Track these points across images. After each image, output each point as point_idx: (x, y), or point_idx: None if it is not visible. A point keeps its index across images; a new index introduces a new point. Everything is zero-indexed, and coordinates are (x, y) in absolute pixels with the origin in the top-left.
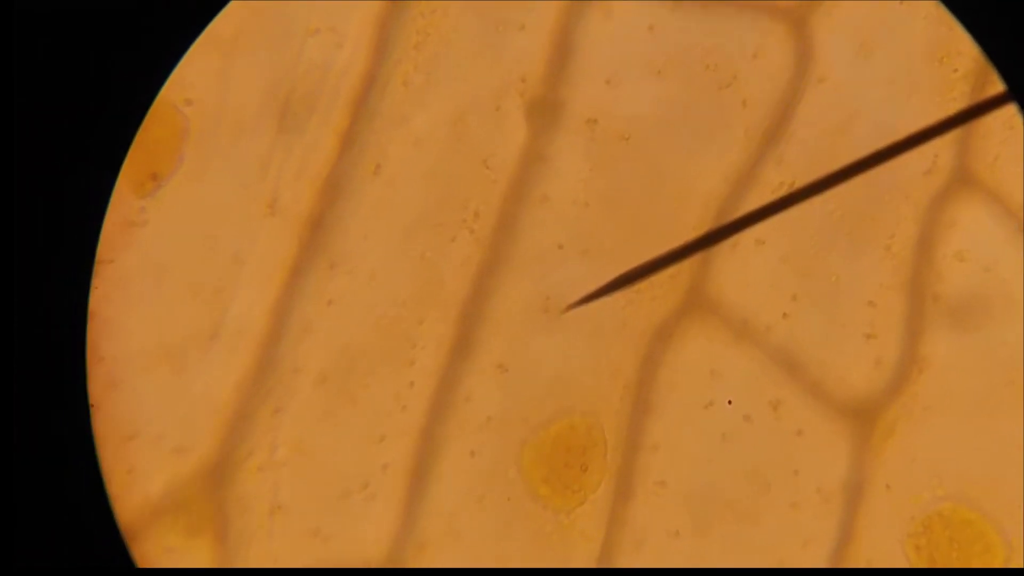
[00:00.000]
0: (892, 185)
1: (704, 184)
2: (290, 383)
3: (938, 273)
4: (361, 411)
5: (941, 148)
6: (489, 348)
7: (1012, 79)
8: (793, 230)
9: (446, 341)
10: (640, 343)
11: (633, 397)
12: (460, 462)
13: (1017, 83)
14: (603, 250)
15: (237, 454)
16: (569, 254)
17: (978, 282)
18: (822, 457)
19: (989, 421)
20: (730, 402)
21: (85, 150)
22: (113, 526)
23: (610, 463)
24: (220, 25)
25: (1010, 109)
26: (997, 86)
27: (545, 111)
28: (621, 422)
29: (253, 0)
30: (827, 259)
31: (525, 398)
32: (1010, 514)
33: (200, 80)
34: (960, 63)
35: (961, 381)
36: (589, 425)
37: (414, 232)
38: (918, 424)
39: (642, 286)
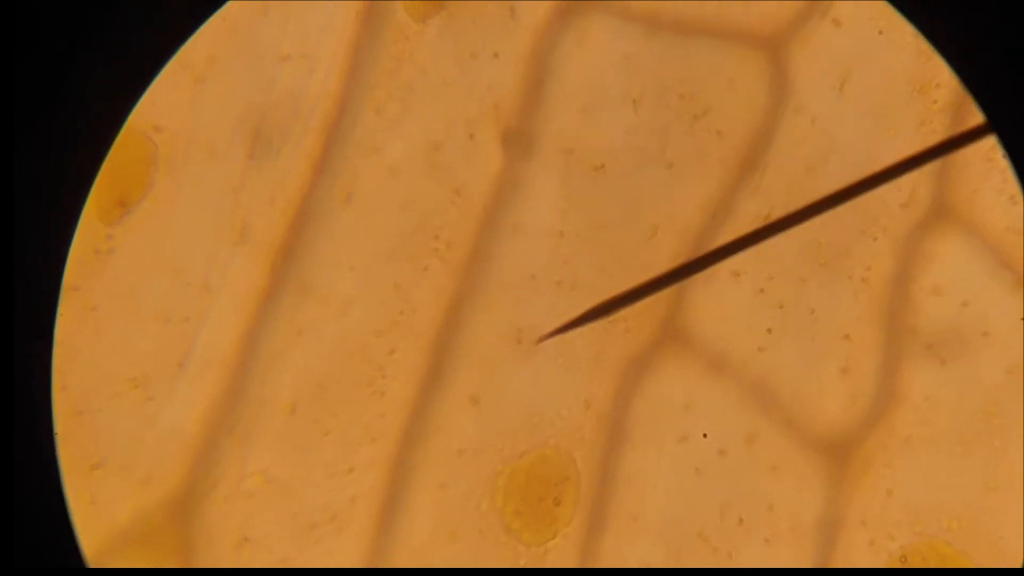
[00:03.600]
0: (869, 218)
1: (680, 215)
2: (259, 413)
3: (915, 307)
4: (331, 442)
5: (919, 181)
6: (461, 379)
7: (991, 110)
8: (769, 262)
9: (418, 371)
10: (614, 375)
11: (607, 429)
12: (431, 494)
13: (996, 115)
14: (577, 281)
15: (204, 484)
16: (543, 285)
17: (955, 316)
18: (797, 492)
19: (965, 455)
20: (705, 435)
21: (52, 174)
22: (78, 558)
23: (583, 496)
24: (191, 50)
25: (989, 141)
26: (976, 118)
27: (519, 140)
28: (595, 455)
29: (226, 25)
30: (803, 292)
31: (497, 430)
32: (986, 548)
33: (170, 106)
34: (939, 95)
35: (938, 415)
36: (562, 457)
37: (386, 261)
38: (894, 459)
39: (617, 317)
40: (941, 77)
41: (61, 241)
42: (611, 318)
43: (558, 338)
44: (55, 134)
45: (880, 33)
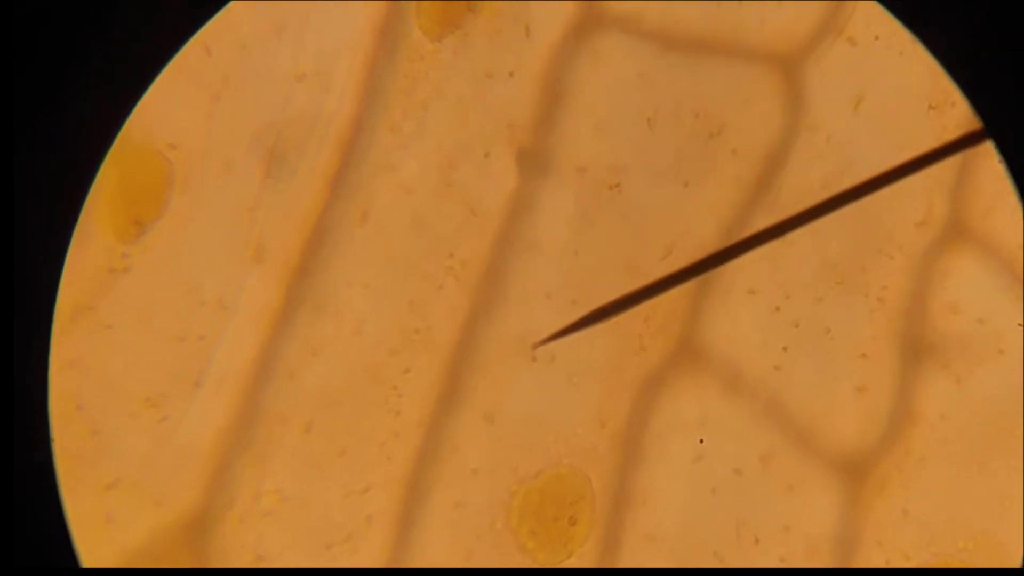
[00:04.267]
0: (885, 236)
1: (695, 233)
2: (274, 431)
3: (931, 325)
4: (346, 461)
5: (934, 199)
6: (476, 397)
7: (989, 117)
8: (785, 280)
9: (432, 390)
10: (630, 393)
11: (622, 448)
12: (446, 514)
13: (995, 122)
14: (592, 299)
15: (219, 503)
16: (558, 303)
17: (971, 333)
18: (812, 512)
19: (982, 473)
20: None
21: (51, 176)
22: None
23: (598, 516)
24: (205, 68)
25: (987, 147)
26: (988, 145)
27: (534, 158)
28: (610, 474)
29: (238, 43)
30: (819, 310)
31: (512, 448)
32: (1001, 565)
33: (185, 125)
34: (953, 113)
35: (954, 433)
36: (577, 476)
37: (401, 279)
38: (910, 478)
39: (632, 335)
40: (955, 95)
41: (59, 246)
42: (627, 335)
43: (573, 356)
44: (52, 139)
45: (899, 54)
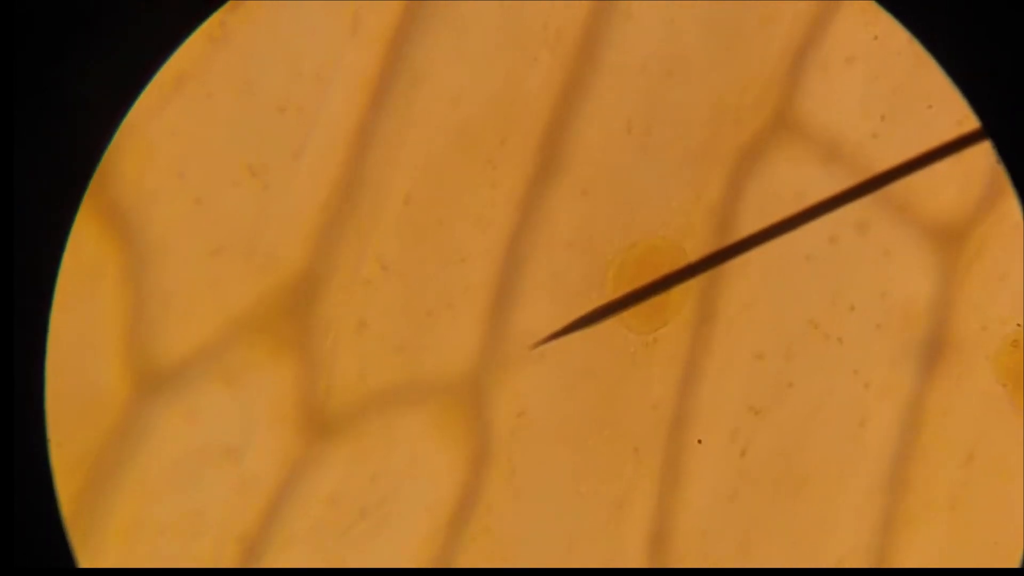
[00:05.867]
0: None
1: None
2: (373, 202)
3: None
4: (444, 231)
5: None
6: (572, 170)
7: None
8: (886, 54)
9: (529, 163)
10: (725, 165)
11: (717, 220)
12: (543, 284)
13: (994, 121)
14: (688, 67)
15: (321, 272)
16: (653, 75)
17: None
18: (908, 278)
19: None
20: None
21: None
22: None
23: (692, 285)
24: None
25: None
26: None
27: None
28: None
29: None
30: (917, 77)
31: (608, 221)
32: None
33: None
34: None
35: None
36: (671, 248)
37: (497, 51)
38: (1007, 243)
39: (727, 107)
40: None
41: (57, 244)
42: (722, 108)
43: (669, 129)
44: (52, 132)
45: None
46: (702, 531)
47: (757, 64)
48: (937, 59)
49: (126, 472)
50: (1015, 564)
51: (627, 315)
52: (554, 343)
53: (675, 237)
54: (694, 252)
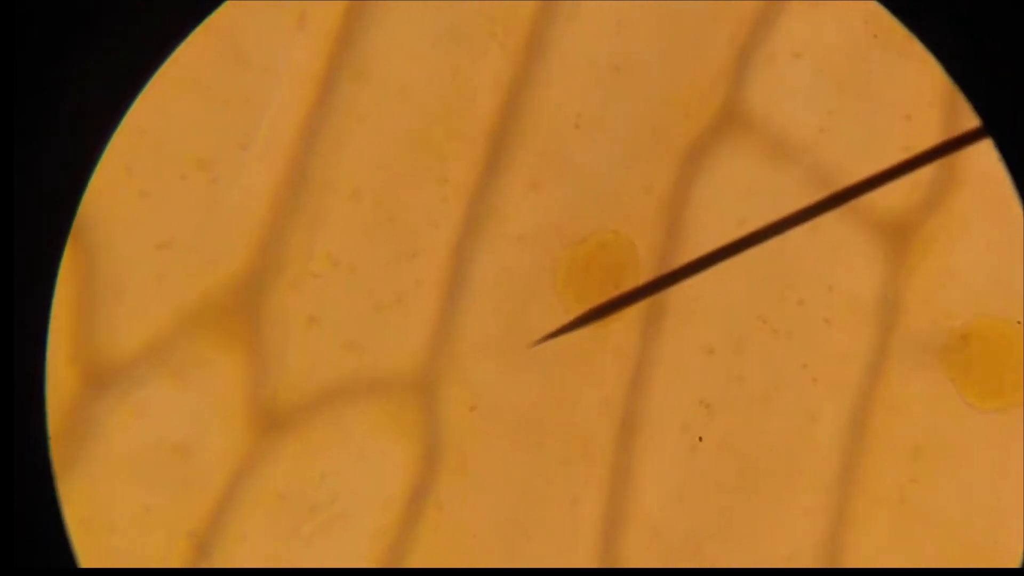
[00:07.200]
0: None
1: None
2: (322, 197)
3: None
4: (394, 227)
5: None
6: (521, 165)
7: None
8: (831, 40)
9: (478, 158)
10: (675, 159)
11: (667, 215)
12: (493, 279)
13: (994, 119)
14: (633, 66)
15: (271, 266)
16: (601, 72)
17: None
18: (857, 273)
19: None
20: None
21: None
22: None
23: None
24: None
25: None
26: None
27: None
28: (654, 240)
29: None
30: (865, 71)
31: (558, 214)
32: None
33: None
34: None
35: (998, 194)
36: (622, 243)
37: (444, 47)
38: (955, 240)
39: (677, 100)
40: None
41: (57, 244)
42: (671, 102)
43: (620, 124)
44: (50, 132)
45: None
46: (653, 526)
47: (705, 59)
48: (937, 59)
49: (76, 468)
50: (985, 562)
51: (578, 308)
52: (504, 338)
53: (625, 231)
54: (644, 247)
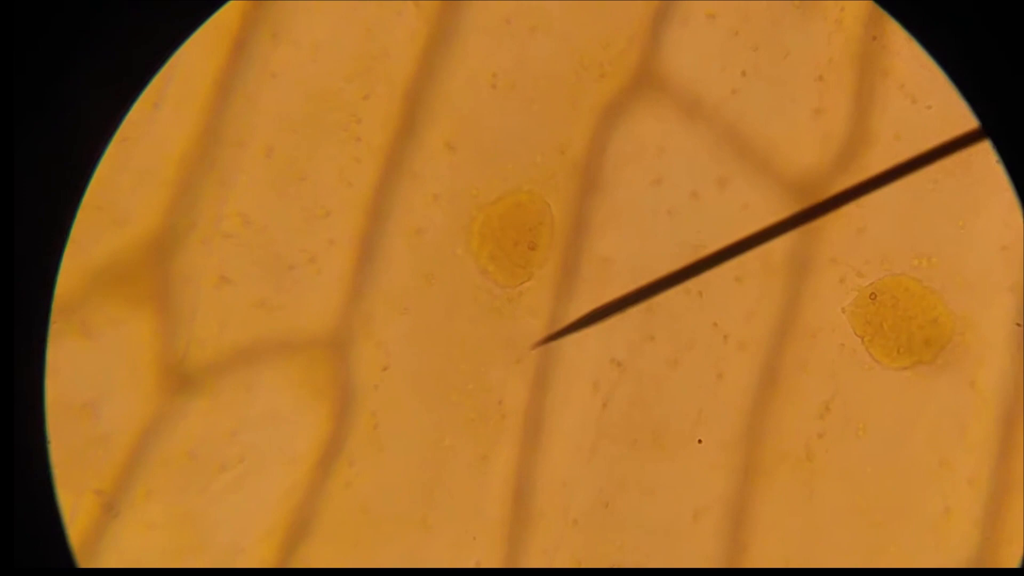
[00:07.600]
0: None
1: None
2: (234, 155)
3: (888, 48)
4: (307, 186)
5: None
6: (436, 125)
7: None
8: (747, 10)
9: (392, 118)
10: (589, 120)
11: (580, 175)
12: (407, 239)
13: (992, 121)
14: (551, 22)
15: (181, 225)
16: (518, 30)
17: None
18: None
19: (935, 193)
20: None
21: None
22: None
23: (556, 240)
24: None
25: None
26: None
27: None
28: (568, 200)
29: None
30: (778, 34)
31: (473, 175)
32: (953, 285)
33: None
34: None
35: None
36: (536, 203)
37: (358, 4)
38: (865, 198)
39: (592, 62)
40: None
41: (56, 244)
42: (586, 63)
43: (532, 83)
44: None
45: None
46: (563, 483)
47: (620, 20)
48: (937, 58)
49: None
50: (896, 519)
51: (492, 269)
52: (419, 297)
53: (540, 191)
54: (558, 207)
